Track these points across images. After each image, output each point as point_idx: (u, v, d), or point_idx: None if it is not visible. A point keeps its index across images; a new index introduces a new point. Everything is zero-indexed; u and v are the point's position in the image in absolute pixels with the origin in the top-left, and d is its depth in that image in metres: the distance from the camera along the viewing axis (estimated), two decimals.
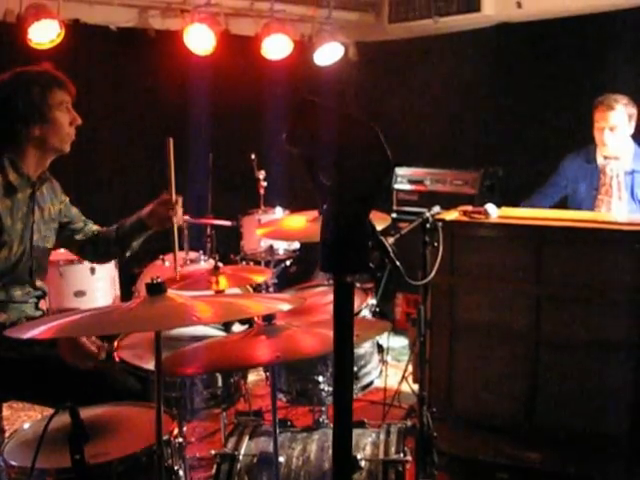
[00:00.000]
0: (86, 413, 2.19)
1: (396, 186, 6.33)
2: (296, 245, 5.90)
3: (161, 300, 2.13)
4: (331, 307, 1.46)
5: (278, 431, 2.55)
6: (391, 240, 3.01)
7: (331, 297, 1.46)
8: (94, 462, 2.06)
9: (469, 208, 4.05)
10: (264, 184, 5.82)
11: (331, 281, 3.82)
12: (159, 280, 2.16)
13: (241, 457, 2.70)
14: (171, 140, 3.20)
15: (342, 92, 7.13)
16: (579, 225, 3.80)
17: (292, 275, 6.05)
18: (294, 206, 5.28)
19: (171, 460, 2.30)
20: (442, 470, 3.54)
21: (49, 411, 2.19)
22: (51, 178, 3.32)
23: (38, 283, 3.22)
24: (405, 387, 4.29)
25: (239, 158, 5.88)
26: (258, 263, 5.82)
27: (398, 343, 5.87)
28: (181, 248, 5.32)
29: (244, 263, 5.77)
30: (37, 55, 4.75)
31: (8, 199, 3.06)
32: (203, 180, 5.59)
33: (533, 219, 3.94)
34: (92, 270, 4.96)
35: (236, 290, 4.18)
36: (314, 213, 3.54)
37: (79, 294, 4.92)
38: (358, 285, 3.62)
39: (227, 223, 5.64)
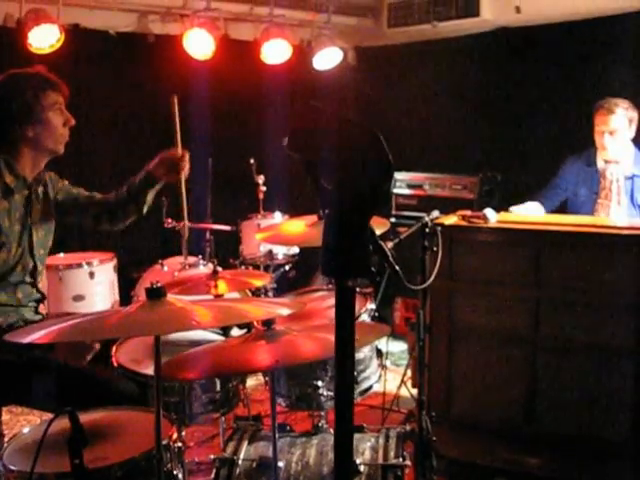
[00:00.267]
0: (85, 418, 2.19)
1: (395, 191, 6.34)
2: (295, 250, 5.90)
3: (160, 305, 2.13)
4: (330, 312, 1.46)
5: (277, 436, 2.55)
6: (390, 245, 3.01)
7: (330, 302, 1.46)
8: (93, 466, 2.06)
9: (468, 213, 4.05)
10: (263, 189, 5.82)
11: (330, 286, 3.82)
12: (158, 285, 2.17)
13: (240, 462, 2.70)
14: (175, 97, 3.40)
15: (341, 97, 7.13)
16: (578, 229, 3.80)
17: (291, 280, 6.05)
18: (293, 211, 5.29)
19: (170, 465, 2.30)
20: (441, 474, 3.54)
21: (48, 415, 2.19)
22: (44, 175, 3.32)
23: (39, 284, 3.23)
24: (404, 391, 4.29)
25: (238, 163, 5.88)
26: (257, 268, 5.81)
27: (397, 347, 5.86)
28: (180, 252, 5.32)
29: (243, 268, 5.77)
30: (37, 60, 4.75)
31: (5, 201, 3.07)
32: (202, 185, 5.59)
33: (532, 224, 3.95)
34: (91, 274, 4.96)
35: (235, 295, 4.18)
36: (313, 218, 3.54)
37: (78, 298, 4.91)
38: (357, 290, 3.62)
39: (226, 228, 5.64)
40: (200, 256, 5.41)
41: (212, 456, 2.76)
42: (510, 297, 3.82)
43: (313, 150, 1.46)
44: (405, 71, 6.91)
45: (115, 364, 3.09)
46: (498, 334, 3.84)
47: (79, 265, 4.95)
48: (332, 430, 2.85)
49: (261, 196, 5.83)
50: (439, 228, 3.29)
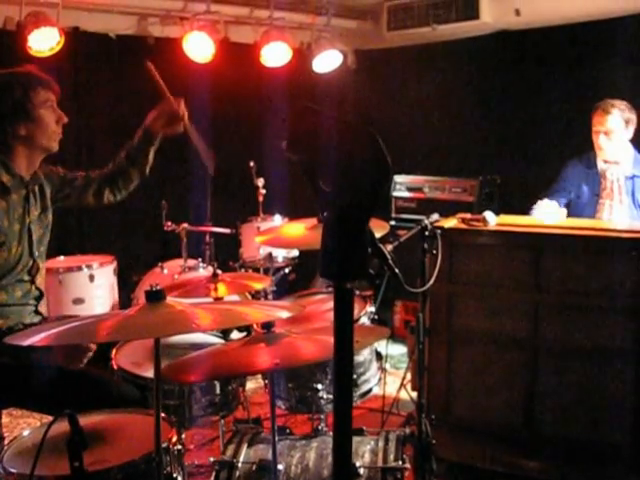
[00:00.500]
0: (85, 420, 2.19)
1: (395, 193, 6.33)
2: (295, 253, 5.91)
3: (160, 307, 2.14)
4: (330, 314, 1.46)
5: (277, 439, 2.55)
6: (390, 247, 3.01)
7: (330, 304, 1.46)
8: (93, 469, 2.05)
9: (468, 216, 4.05)
10: (263, 192, 5.83)
11: (330, 288, 3.82)
12: (158, 287, 2.17)
13: (240, 465, 2.70)
14: (150, 64, 3.46)
15: (341, 99, 7.14)
16: (577, 232, 3.80)
17: (291, 282, 6.05)
18: (293, 214, 5.29)
19: (170, 467, 2.30)
20: (441, 477, 3.54)
21: (48, 418, 2.19)
22: (40, 173, 3.33)
23: (38, 281, 3.24)
24: (404, 394, 4.29)
25: (238, 166, 5.89)
26: (257, 270, 5.82)
27: (397, 350, 5.86)
28: (180, 255, 5.33)
29: (243, 270, 5.78)
30: (37, 63, 4.75)
31: (3, 200, 3.09)
32: (202, 188, 5.60)
33: (532, 227, 3.94)
34: (91, 277, 4.96)
35: (235, 297, 4.19)
36: (313, 221, 3.54)
37: (78, 301, 4.92)
38: (357, 292, 3.62)
39: (226, 231, 5.64)
40: (200, 259, 5.42)
41: (212, 459, 2.76)
42: (510, 300, 3.82)
43: (312, 153, 1.46)
44: (405, 74, 6.92)
45: (115, 367, 3.09)
46: (498, 337, 3.84)
47: (79, 268, 4.95)
48: (332, 433, 2.86)
49: (261, 199, 5.84)
50: (439, 231, 3.29)
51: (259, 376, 4.20)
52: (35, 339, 2.02)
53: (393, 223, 6.05)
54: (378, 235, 1.52)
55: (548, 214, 4.43)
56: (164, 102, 3.51)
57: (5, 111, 3.10)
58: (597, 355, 3.62)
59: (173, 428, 2.42)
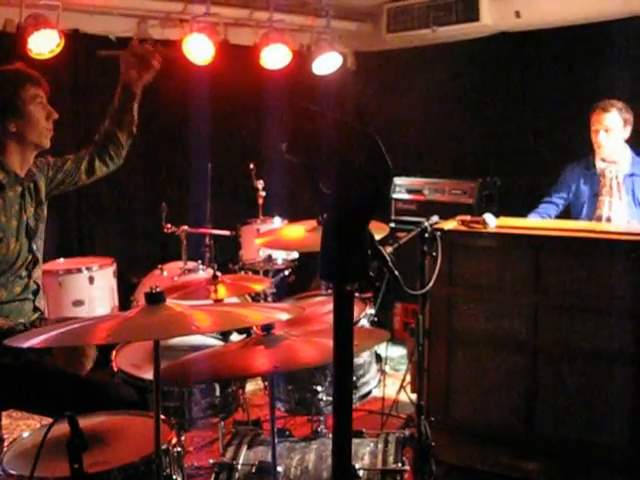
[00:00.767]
0: (85, 422, 2.19)
1: (394, 196, 6.34)
2: (295, 255, 5.90)
3: (160, 309, 2.14)
4: (330, 317, 1.46)
5: (276, 441, 2.55)
6: (389, 250, 3.01)
7: (330, 307, 1.46)
8: (93, 471, 2.06)
9: (467, 218, 4.05)
10: (263, 194, 5.83)
11: (330, 290, 3.82)
12: (158, 289, 2.17)
13: (239, 466, 2.70)
14: (99, 52, 3.75)
15: (340, 102, 7.14)
16: (577, 235, 3.81)
17: (291, 285, 6.05)
18: (293, 216, 5.29)
19: (169, 469, 2.30)
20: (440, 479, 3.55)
21: (48, 420, 2.20)
22: (34, 170, 3.34)
23: (36, 274, 3.25)
24: (403, 397, 4.29)
25: (238, 168, 5.89)
26: (257, 272, 5.82)
27: (396, 353, 5.86)
28: (179, 257, 5.33)
29: (243, 272, 5.77)
30: (37, 65, 4.75)
31: None
32: (202, 189, 5.60)
33: (531, 229, 3.95)
34: (91, 279, 4.96)
35: (235, 299, 4.19)
36: (313, 223, 3.54)
37: (77, 303, 4.91)
38: (357, 295, 3.62)
39: (226, 233, 5.63)
40: (199, 261, 5.42)
41: (211, 461, 2.77)
42: (509, 302, 3.82)
43: (312, 155, 1.46)
44: (404, 76, 6.92)
45: (115, 369, 3.09)
46: (497, 339, 3.84)
47: (79, 270, 4.95)
48: (331, 435, 2.86)
49: (260, 201, 5.84)
50: (438, 233, 3.29)
51: (259, 378, 4.20)
52: (35, 341, 2.02)
53: (393, 225, 6.05)
54: (378, 237, 1.52)
55: None
56: (125, 52, 3.54)
57: None
58: (596, 357, 3.62)
59: (173, 430, 2.42)
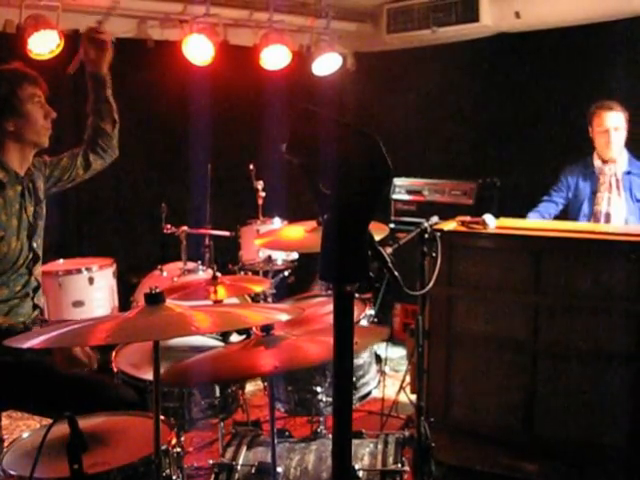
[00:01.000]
0: (85, 423, 2.19)
1: (394, 196, 6.34)
2: (294, 255, 5.90)
3: (160, 310, 2.14)
4: (329, 317, 1.46)
5: (276, 441, 2.56)
6: (389, 250, 3.01)
7: (329, 307, 1.47)
8: (92, 472, 2.06)
9: (467, 218, 4.05)
10: (262, 194, 5.83)
11: (329, 291, 3.82)
12: (157, 290, 2.17)
13: (239, 467, 2.70)
14: (69, 68, 3.73)
15: (340, 102, 7.14)
16: (577, 236, 3.81)
17: (290, 285, 6.05)
18: (292, 216, 5.29)
19: (169, 470, 2.30)
20: None
21: (48, 421, 2.20)
22: (32, 169, 3.34)
23: (36, 271, 3.26)
24: (403, 397, 4.29)
25: (238, 168, 5.89)
26: (256, 273, 5.82)
27: (396, 353, 5.86)
28: (179, 258, 5.33)
29: (242, 273, 5.77)
30: (37, 66, 4.76)
31: None
32: (202, 190, 5.60)
33: (531, 230, 3.95)
34: (90, 280, 4.96)
35: (234, 300, 4.19)
36: (312, 223, 3.55)
37: (77, 304, 4.91)
38: (357, 295, 3.62)
39: (226, 233, 5.63)
40: (199, 262, 5.42)
41: (211, 461, 2.77)
42: (509, 303, 3.82)
43: (312, 155, 1.46)
44: (404, 77, 6.92)
45: (115, 369, 3.09)
46: (497, 340, 3.84)
47: (78, 271, 4.95)
48: (331, 436, 2.86)
49: (260, 201, 5.83)
50: (438, 234, 3.28)
51: (258, 379, 4.20)
52: (35, 341, 2.02)
53: (392, 226, 6.06)
54: (378, 238, 1.52)
55: None
56: (81, 44, 3.63)
57: None
58: (596, 358, 3.62)
59: (172, 430, 2.42)
